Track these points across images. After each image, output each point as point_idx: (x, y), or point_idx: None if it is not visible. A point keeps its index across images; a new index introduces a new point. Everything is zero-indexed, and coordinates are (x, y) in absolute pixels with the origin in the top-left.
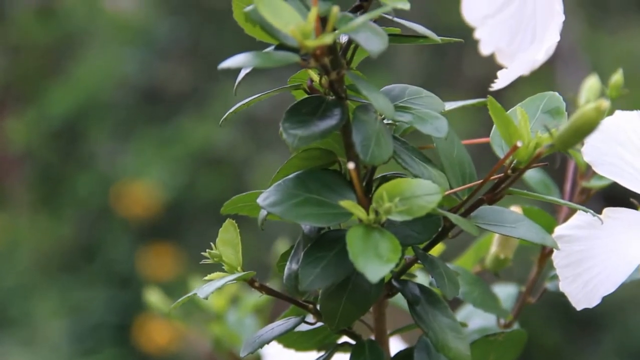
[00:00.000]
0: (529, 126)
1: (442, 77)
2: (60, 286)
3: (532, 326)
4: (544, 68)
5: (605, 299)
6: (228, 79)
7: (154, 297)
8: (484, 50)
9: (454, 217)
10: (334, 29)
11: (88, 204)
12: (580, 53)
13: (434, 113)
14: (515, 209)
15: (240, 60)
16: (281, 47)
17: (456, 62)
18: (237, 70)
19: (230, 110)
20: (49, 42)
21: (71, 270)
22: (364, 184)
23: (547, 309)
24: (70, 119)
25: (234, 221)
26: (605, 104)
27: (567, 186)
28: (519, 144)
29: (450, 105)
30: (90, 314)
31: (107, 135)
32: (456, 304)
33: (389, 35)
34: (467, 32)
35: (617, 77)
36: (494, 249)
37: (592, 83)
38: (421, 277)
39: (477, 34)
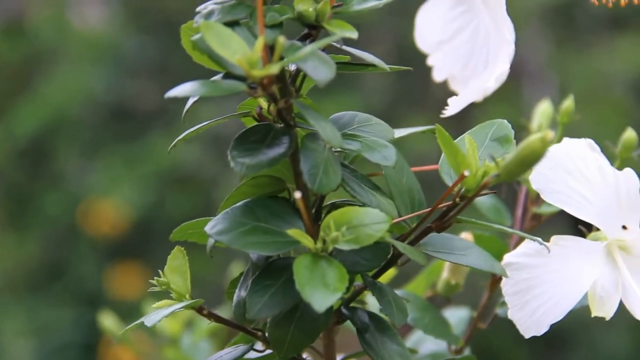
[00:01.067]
0: (477, 155)
1: (411, 96)
2: (26, 305)
3: (499, 344)
4: (512, 86)
5: (572, 317)
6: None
7: (107, 321)
8: (437, 76)
9: (401, 246)
10: (282, 58)
11: (55, 223)
12: (548, 71)
13: (382, 141)
14: (467, 235)
15: (187, 90)
16: (229, 75)
17: (425, 81)
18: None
19: (179, 138)
20: (16, 60)
21: (38, 289)
22: (314, 211)
23: (514, 326)
24: (38, 137)
25: (182, 248)
26: (550, 134)
27: (519, 211)
28: (466, 173)
29: (400, 133)
30: (57, 333)
31: (75, 153)
32: (408, 329)
33: (338, 63)
34: None
35: (568, 102)
36: (445, 274)
37: (544, 108)
38: (374, 301)
39: (430, 61)
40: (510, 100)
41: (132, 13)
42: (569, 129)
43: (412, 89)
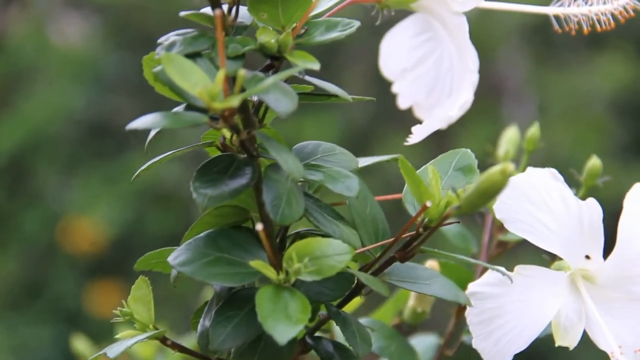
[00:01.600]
0: (440, 185)
1: (391, 113)
2: (5, 323)
3: None
4: (492, 104)
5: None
6: None
7: (80, 344)
8: (402, 103)
9: (364, 277)
10: (243, 90)
11: (34, 240)
12: (528, 89)
13: (345, 172)
14: (433, 263)
15: (148, 122)
16: (191, 107)
17: None
18: None
19: (142, 168)
20: None
21: (17, 307)
22: (278, 239)
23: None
24: (16, 155)
25: (146, 278)
26: (511, 167)
27: (485, 238)
28: (428, 204)
29: (363, 162)
30: (37, 351)
31: (54, 170)
32: (375, 357)
33: (300, 94)
34: None
35: (534, 130)
36: (411, 302)
37: (511, 135)
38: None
39: (394, 88)
40: (490, 118)
41: (112, 29)
42: (549, 146)
43: (393, 106)
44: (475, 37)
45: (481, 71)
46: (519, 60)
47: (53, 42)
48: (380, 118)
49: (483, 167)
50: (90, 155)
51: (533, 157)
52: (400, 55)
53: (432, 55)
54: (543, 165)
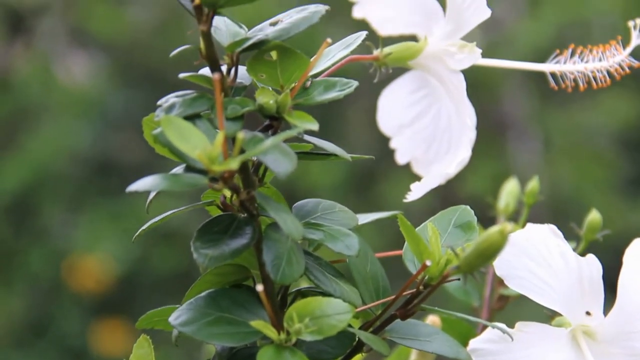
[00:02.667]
0: (439, 244)
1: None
2: None
3: None
4: (497, 140)
5: None
6: None
7: None
8: (400, 159)
9: (365, 336)
10: (242, 151)
11: (39, 278)
12: (532, 125)
13: (345, 230)
14: (434, 318)
15: (148, 184)
16: (190, 168)
17: None
18: None
19: (144, 227)
20: (1, 116)
21: (22, 345)
22: (279, 297)
23: None
24: (22, 192)
25: (147, 337)
26: (509, 227)
27: (487, 292)
28: (428, 263)
29: (363, 219)
30: None
31: (59, 208)
32: None
33: (299, 153)
34: None
35: (534, 184)
36: (413, 356)
37: (511, 187)
38: None
39: (392, 144)
40: (495, 154)
41: (116, 67)
42: (553, 182)
43: None
44: (480, 74)
45: (485, 108)
46: (523, 97)
47: (58, 80)
48: (385, 153)
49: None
50: (96, 192)
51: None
52: (397, 112)
53: (430, 111)
54: (548, 202)
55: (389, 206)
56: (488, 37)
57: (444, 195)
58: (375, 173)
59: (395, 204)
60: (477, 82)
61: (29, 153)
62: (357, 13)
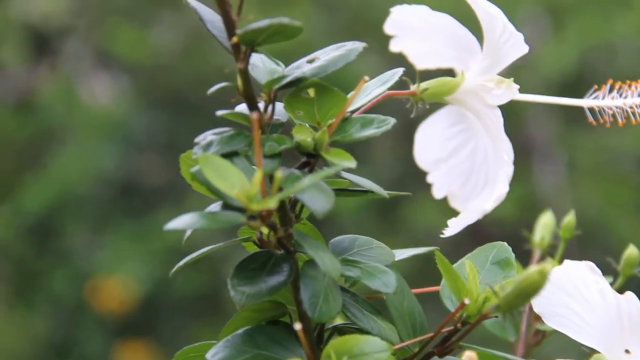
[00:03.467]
0: (477, 281)
1: (419, 171)
2: None
3: None
4: (522, 163)
5: None
6: None
7: None
8: (437, 193)
9: None
10: (280, 189)
11: (63, 300)
12: (556, 147)
13: (382, 267)
14: (471, 354)
15: (186, 222)
16: (227, 206)
17: None
18: None
19: (181, 263)
20: (26, 137)
21: None
22: (316, 333)
23: None
24: (46, 214)
25: None
26: (549, 267)
27: (523, 327)
28: (466, 301)
29: (400, 255)
30: None
31: (82, 229)
32: None
33: (335, 190)
34: None
35: (570, 218)
36: None
37: (546, 220)
38: None
39: (429, 178)
40: (520, 177)
41: (140, 89)
42: (578, 205)
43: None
44: None
45: (510, 130)
46: (548, 119)
47: (82, 101)
48: (406, 178)
49: (510, 236)
50: (119, 214)
51: (563, 215)
52: (434, 146)
53: (467, 146)
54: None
55: (412, 229)
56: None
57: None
58: (399, 197)
59: (418, 227)
60: (501, 105)
61: (53, 174)
62: (394, 47)
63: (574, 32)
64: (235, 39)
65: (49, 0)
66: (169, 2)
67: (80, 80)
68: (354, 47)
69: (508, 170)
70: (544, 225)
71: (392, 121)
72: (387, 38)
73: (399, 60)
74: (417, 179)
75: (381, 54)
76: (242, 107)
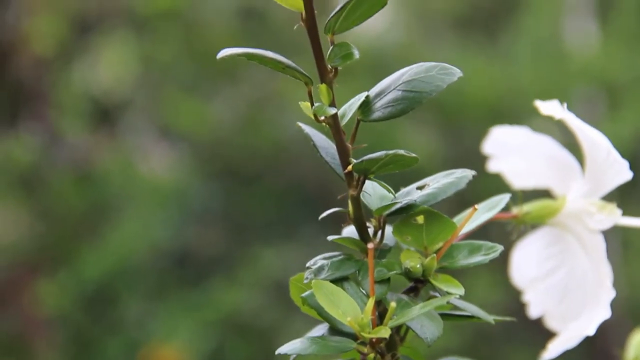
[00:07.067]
0: None
1: None
2: None
3: None
4: None
5: None
6: (258, 244)
7: None
8: (533, 312)
9: None
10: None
11: None
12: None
13: None
14: None
15: (297, 348)
16: (335, 330)
17: None
18: (267, 236)
19: None
20: (84, 207)
21: None
22: None
23: None
24: (102, 283)
25: None
26: None
27: None
28: None
29: None
30: None
31: (137, 298)
32: None
33: (442, 314)
34: None
35: None
36: None
37: (638, 340)
38: None
39: (525, 297)
40: None
41: (198, 160)
42: (632, 282)
43: None
44: None
45: None
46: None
47: (140, 172)
48: None
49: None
50: (173, 283)
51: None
52: (530, 266)
53: (564, 267)
54: (626, 303)
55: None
56: (567, 138)
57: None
58: None
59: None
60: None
61: (110, 244)
62: (493, 167)
63: (630, 111)
64: (349, 168)
65: (111, 72)
66: (228, 76)
67: (139, 150)
68: (463, 174)
69: (609, 295)
70: (637, 344)
71: (499, 248)
72: (442, 113)
73: (451, 136)
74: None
75: (437, 127)
76: (350, 231)
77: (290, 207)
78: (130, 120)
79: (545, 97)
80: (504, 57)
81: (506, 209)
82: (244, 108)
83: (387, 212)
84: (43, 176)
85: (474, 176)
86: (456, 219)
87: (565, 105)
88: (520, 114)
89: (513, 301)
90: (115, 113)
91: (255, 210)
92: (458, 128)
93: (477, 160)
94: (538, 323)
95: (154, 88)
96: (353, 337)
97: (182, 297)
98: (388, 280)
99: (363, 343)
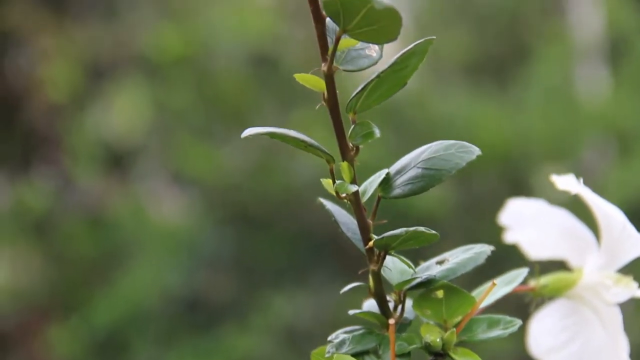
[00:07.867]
0: None
1: None
2: None
3: None
4: None
5: None
6: (269, 290)
7: None
8: None
9: None
10: None
11: None
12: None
13: None
14: None
15: None
16: None
17: None
18: (278, 282)
19: None
20: (96, 252)
21: None
22: None
23: None
24: (112, 328)
25: None
26: None
27: None
28: None
29: None
30: None
31: (148, 344)
32: None
33: None
34: None
35: None
36: None
37: None
38: None
39: None
40: None
41: (209, 205)
42: None
43: None
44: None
45: None
46: None
47: (151, 217)
48: None
49: None
50: (184, 329)
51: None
52: (547, 336)
53: (580, 338)
54: None
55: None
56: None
57: None
58: None
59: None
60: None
61: (121, 290)
62: (509, 237)
63: None
64: (370, 243)
65: (124, 118)
66: (240, 121)
67: (150, 196)
68: (482, 250)
69: None
70: None
71: (518, 323)
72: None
73: (461, 182)
74: None
75: None
76: (371, 305)
77: (301, 253)
78: (142, 166)
79: (556, 144)
80: (515, 104)
81: (524, 281)
82: (255, 153)
83: (408, 286)
84: (55, 221)
85: (492, 252)
86: (475, 293)
87: (581, 180)
88: (530, 161)
89: None
90: (127, 158)
91: (266, 256)
92: (468, 174)
93: (487, 206)
94: None
95: (165, 133)
96: None
97: (193, 342)
98: (409, 354)
99: None
